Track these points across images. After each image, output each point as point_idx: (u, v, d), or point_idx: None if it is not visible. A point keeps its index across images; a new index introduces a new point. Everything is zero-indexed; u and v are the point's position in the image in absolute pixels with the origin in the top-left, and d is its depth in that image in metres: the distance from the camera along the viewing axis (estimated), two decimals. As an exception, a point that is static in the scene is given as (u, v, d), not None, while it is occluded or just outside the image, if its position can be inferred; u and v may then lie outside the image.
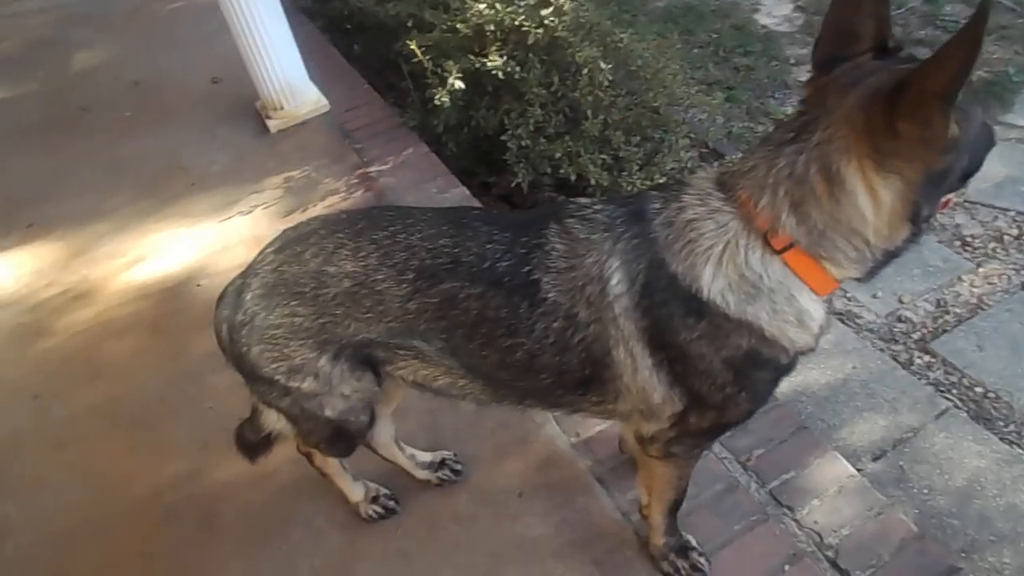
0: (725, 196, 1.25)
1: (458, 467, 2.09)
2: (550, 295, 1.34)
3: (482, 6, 3.05)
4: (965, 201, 3.30)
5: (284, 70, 3.74)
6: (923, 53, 1.05)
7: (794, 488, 1.99)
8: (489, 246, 1.38)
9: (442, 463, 2.09)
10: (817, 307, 1.27)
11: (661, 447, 1.53)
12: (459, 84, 2.98)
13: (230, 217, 3.37)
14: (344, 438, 1.69)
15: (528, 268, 1.35)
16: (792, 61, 4.62)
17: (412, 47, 3.12)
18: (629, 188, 2.97)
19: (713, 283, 1.23)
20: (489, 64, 2.98)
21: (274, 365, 1.49)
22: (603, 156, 3.05)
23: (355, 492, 2.02)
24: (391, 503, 2.04)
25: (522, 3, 3.07)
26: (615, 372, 1.37)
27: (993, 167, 1.21)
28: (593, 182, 2.96)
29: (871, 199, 1.13)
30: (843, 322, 2.87)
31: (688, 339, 1.28)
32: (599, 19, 3.15)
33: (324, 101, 3.96)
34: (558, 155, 3.00)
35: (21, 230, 3.55)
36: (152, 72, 4.72)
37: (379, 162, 3.53)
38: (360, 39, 4.64)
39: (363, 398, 1.59)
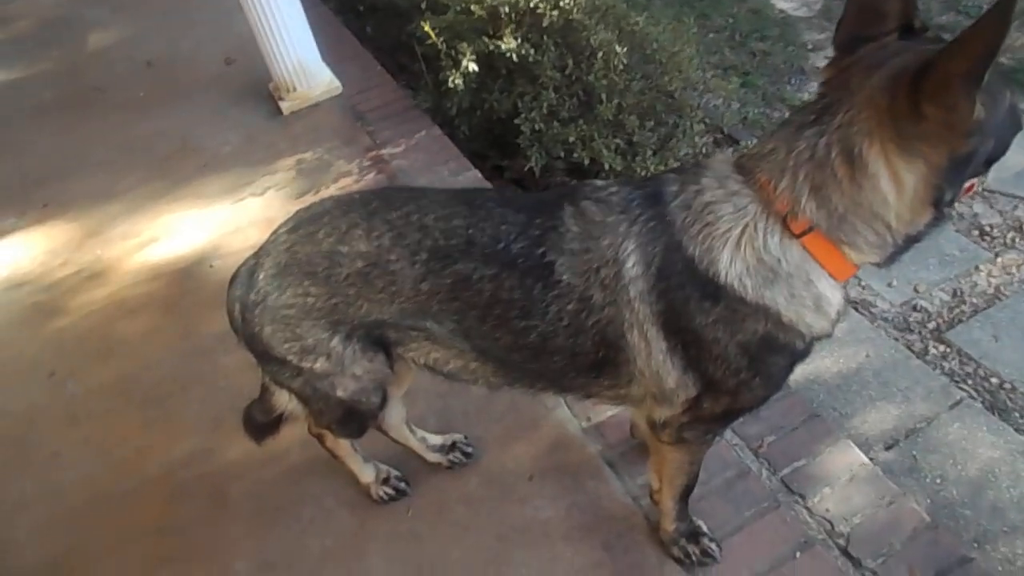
0: (744, 179, 1.24)
1: (469, 450, 2.10)
2: (564, 277, 1.32)
3: (497, -13, 3.02)
4: (984, 190, 3.25)
5: (297, 51, 3.73)
6: (945, 38, 1.03)
7: (805, 476, 1.98)
8: (503, 227, 1.36)
9: (453, 446, 2.09)
10: (835, 292, 1.25)
11: (673, 432, 1.52)
12: (473, 66, 2.96)
13: (242, 198, 3.38)
14: (355, 419, 1.70)
15: (542, 250, 1.33)
16: (809, 47, 4.56)
17: (425, 29, 3.10)
18: (643, 173, 2.95)
19: (731, 267, 1.22)
20: (503, 46, 2.95)
21: (286, 345, 1.49)
22: (617, 140, 3.03)
23: (366, 473, 2.03)
24: (402, 485, 2.05)
25: (537, -15, 3.04)
26: (628, 356, 1.36)
27: (1013, 155, 1.17)
28: (606, 167, 2.94)
29: (893, 183, 1.11)
30: (857, 310, 2.84)
31: (704, 323, 1.27)
32: (614, 2, 3.12)
33: (337, 83, 3.95)
34: (571, 139, 2.98)
35: (36, 210, 3.57)
36: (165, 52, 4.72)
37: (391, 144, 3.51)
38: (372, 20, 4.62)
39: (375, 379, 1.58)
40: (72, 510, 2.20)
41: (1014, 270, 2.93)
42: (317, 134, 3.70)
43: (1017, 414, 2.41)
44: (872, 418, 2.39)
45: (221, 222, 3.26)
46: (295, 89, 3.87)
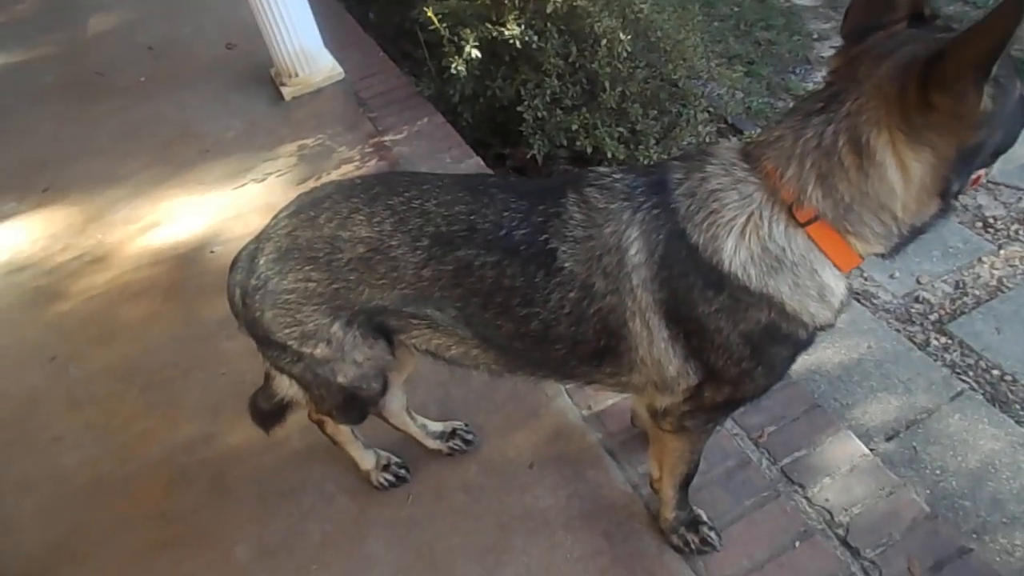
0: (750, 166, 1.23)
1: (469, 437, 2.10)
2: (567, 264, 1.32)
3: (501, -27, 3.00)
4: (988, 182, 3.24)
5: (299, 37, 3.71)
6: (955, 27, 1.01)
7: (805, 466, 1.98)
8: (506, 214, 1.36)
9: (453, 433, 2.10)
10: (839, 283, 1.25)
11: (674, 421, 1.52)
12: (475, 53, 2.94)
13: (244, 184, 3.37)
14: (356, 405, 1.70)
15: (545, 237, 1.33)
16: (815, 36, 4.52)
17: (428, 15, 3.07)
18: (646, 162, 2.94)
19: (735, 255, 1.21)
20: (506, 33, 2.93)
21: (287, 330, 1.48)
22: (620, 129, 3.02)
23: (366, 460, 2.03)
24: (402, 471, 2.05)
25: (541, -29, 3.01)
26: (630, 344, 1.36)
27: (1019, 147, 1.17)
28: (609, 155, 2.93)
29: (901, 173, 1.10)
30: (860, 301, 2.84)
31: (706, 312, 1.26)
32: (619, -12, 3.09)
33: (339, 69, 3.93)
34: (574, 127, 2.97)
35: (38, 194, 3.56)
36: (167, 37, 4.70)
37: (394, 131, 3.50)
38: (375, 7, 4.59)
39: (375, 366, 1.58)
40: (74, 493, 2.21)
41: (1017, 262, 2.92)
42: (319, 120, 3.68)
43: (1018, 406, 2.41)
44: (873, 409, 2.39)
45: (222, 207, 3.25)
46: (297, 75, 3.85)
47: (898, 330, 2.73)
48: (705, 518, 1.82)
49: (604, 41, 2.90)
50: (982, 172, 1.19)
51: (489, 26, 3.00)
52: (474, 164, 3.19)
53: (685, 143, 3.17)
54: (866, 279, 2.93)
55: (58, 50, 4.81)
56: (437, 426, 2.10)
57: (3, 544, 2.14)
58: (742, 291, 1.23)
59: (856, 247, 1.19)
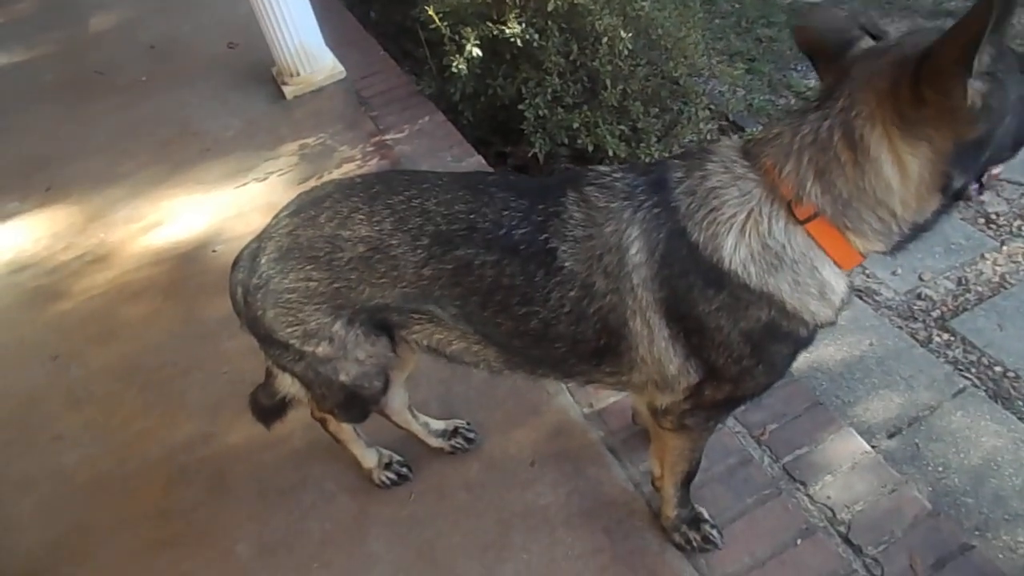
0: (750, 164, 1.22)
1: (471, 435, 2.10)
2: (567, 264, 1.32)
3: (501, -29, 2.99)
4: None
5: (300, 36, 3.71)
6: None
7: (807, 463, 1.98)
8: (506, 213, 1.35)
9: (455, 431, 2.10)
10: (840, 281, 1.24)
11: (675, 419, 1.51)
12: (476, 51, 2.94)
13: (245, 183, 3.37)
14: (358, 403, 1.70)
15: (545, 236, 1.32)
16: (817, 33, 4.50)
17: (429, 13, 3.07)
18: (647, 160, 2.93)
19: (735, 253, 1.21)
20: (507, 31, 2.93)
21: (289, 329, 1.48)
22: (621, 127, 3.01)
23: (368, 458, 2.03)
24: (404, 470, 2.05)
25: (542, -32, 3.01)
26: (631, 343, 1.36)
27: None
28: (610, 153, 2.93)
29: (897, 168, 1.10)
30: (861, 298, 2.83)
31: (707, 311, 1.26)
32: (620, -14, 3.08)
33: (340, 68, 3.93)
34: (575, 125, 2.96)
35: (39, 193, 3.57)
36: (168, 35, 4.70)
37: (395, 130, 3.50)
38: (376, 5, 4.59)
39: (377, 363, 1.58)
40: (73, 492, 2.21)
41: (1020, 259, 2.91)
42: (320, 119, 3.68)
43: (1020, 403, 2.40)
44: (875, 406, 2.38)
45: (223, 207, 3.25)
46: (298, 74, 3.85)
47: (900, 327, 2.72)
48: (707, 516, 1.82)
49: (605, 39, 2.90)
50: (1001, 167, 1.18)
51: (490, 24, 2.99)
52: (475, 162, 3.19)
53: (686, 141, 3.16)
54: (868, 275, 2.93)
55: (58, 49, 4.82)
56: (439, 424, 2.10)
57: (3, 542, 2.14)
58: (742, 289, 1.22)
59: (856, 244, 1.19)
